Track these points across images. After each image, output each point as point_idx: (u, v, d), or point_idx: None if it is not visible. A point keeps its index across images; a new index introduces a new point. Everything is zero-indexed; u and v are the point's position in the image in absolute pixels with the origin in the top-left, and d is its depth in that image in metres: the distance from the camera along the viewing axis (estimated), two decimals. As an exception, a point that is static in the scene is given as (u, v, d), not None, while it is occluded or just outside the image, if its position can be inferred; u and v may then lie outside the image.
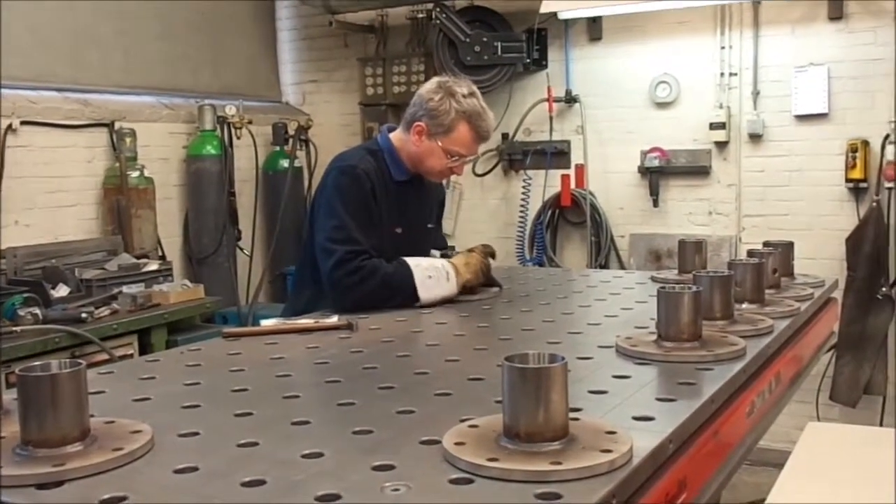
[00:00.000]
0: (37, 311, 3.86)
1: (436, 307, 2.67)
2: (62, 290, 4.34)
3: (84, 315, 4.00)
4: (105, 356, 3.85)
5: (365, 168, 2.75)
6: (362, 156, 2.82)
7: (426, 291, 2.66)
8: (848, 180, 5.18)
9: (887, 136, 5.07)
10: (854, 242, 5.14)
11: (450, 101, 2.71)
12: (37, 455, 1.26)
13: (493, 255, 2.92)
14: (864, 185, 5.16)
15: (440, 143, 2.74)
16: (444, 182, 3.03)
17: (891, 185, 5.06)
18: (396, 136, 2.86)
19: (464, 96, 2.73)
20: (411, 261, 2.70)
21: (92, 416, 1.37)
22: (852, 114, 5.20)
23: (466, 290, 2.79)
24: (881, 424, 5.16)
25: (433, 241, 3.10)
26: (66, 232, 5.10)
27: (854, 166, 5.13)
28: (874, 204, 5.12)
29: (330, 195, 2.72)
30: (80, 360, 1.35)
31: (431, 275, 2.68)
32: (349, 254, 2.62)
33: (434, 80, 2.81)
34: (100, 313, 4.13)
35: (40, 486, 1.20)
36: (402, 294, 2.63)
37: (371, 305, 2.58)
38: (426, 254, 2.91)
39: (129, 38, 5.61)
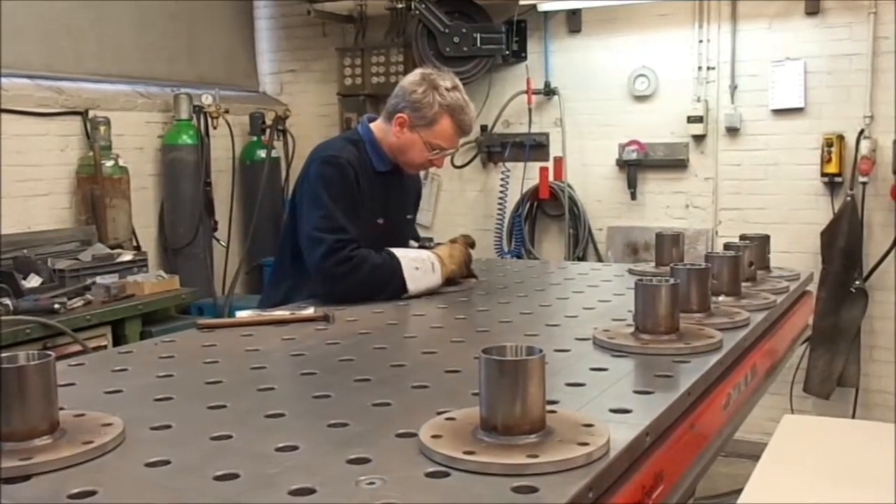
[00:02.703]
0: (8, 301, 3.80)
1: (412, 299, 2.66)
2: (34, 281, 4.28)
3: (57, 306, 3.94)
4: (78, 348, 3.80)
5: (348, 158, 2.73)
6: (344, 146, 2.80)
7: (414, 283, 2.66)
8: (823, 174, 5.23)
9: (862, 132, 5.12)
10: (828, 236, 5.19)
11: (433, 94, 2.70)
12: (3, 449, 1.23)
13: (472, 245, 2.92)
14: (839, 179, 5.20)
15: (421, 136, 2.73)
16: (423, 174, 3.02)
17: (865, 179, 5.11)
18: (377, 127, 2.83)
19: (447, 89, 2.71)
20: (398, 252, 2.70)
21: (62, 408, 1.34)
22: (828, 108, 5.24)
23: (448, 281, 2.79)
24: (854, 416, 5.23)
25: (413, 230, 3.10)
26: (38, 221, 5.02)
27: (829, 161, 5.17)
28: (848, 198, 5.16)
29: (314, 185, 2.68)
30: (49, 352, 1.32)
31: (419, 266, 2.68)
32: (338, 242, 2.59)
33: (417, 72, 2.79)
34: (73, 304, 4.07)
35: (7, 481, 1.17)
36: (392, 285, 2.62)
37: (360, 296, 2.57)
38: (406, 245, 2.90)
39: (104, 25, 5.53)
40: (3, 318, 3.71)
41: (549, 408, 1.30)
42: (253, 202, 6.05)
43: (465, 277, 2.89)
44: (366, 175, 2.77)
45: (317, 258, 2.60)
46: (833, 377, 5.24)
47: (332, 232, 2.61)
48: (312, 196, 2.68)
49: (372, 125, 2.84)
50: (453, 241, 2.86)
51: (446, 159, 2.90)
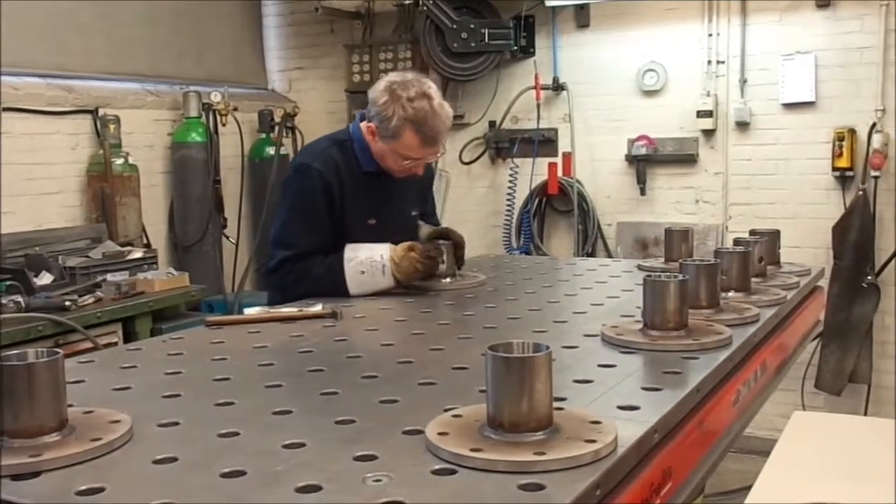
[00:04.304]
0: (20, 299, 3.82)
1: (420, 295, 2.65)
2: (45, 278, 4.30)
3: (68, 303, 3.96)
4: (89, 345, 3.81)
5: (323, 164, 2.71)
6: (325, 149, 2.79)
7: (357, 287, 2.68)
8: (834, 169, 5.19)
9: (874, 125, 5.08)
10: (840, 231, 5.16)
11: (394, 107, 2.63)
12: (13, 445, 1.24)
13: (459, 244, 2.82)
14: (850, 173, 5.17)
15: (389, 146, 2.69)
16: (434, 163, 2.98)
17: (877, 173, 5.07)
18: (367, 126, 2.78)
19: (409, 100, 2.62)
20: (349, 252, 2.69)
21: (70, 405, 1.35)
22: (839, 102, 5.20)
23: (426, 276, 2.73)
24: (866, 413, 5.20)
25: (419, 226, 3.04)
26: (49, 219, 5.05)
27: (840, 155, 5.14)
28: (860, 192, 5.13)
29: (283, 193, 2.83)
30: (57, 349, 1.32)
31: (365, 270, 2.67)
32: (283, 261, 2.73)
33: (384, 80, 2.71)
34: (83, 301, 4.09)
35: (16, 477, 1.18)
36: (333, 293, 2.65)
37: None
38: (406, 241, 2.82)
39: (113, 24, 5.55)
40: (16, 315, 3.73)
41: (556, 405, 1.30)
42: (262, 199, 6.06)
43: (447, 276, 2.77)
44: (351, 177, 2.75)
45: (268, 269, 2.81)
46: (844, 373, 5.20)
47: (284, 247, 2.74)
48: (279, 205, 2.87)
49: (362, 124, 2.79)
50: (411, 249, 2.67)
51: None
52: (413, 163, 2.73)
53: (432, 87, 2.68)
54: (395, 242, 2.73)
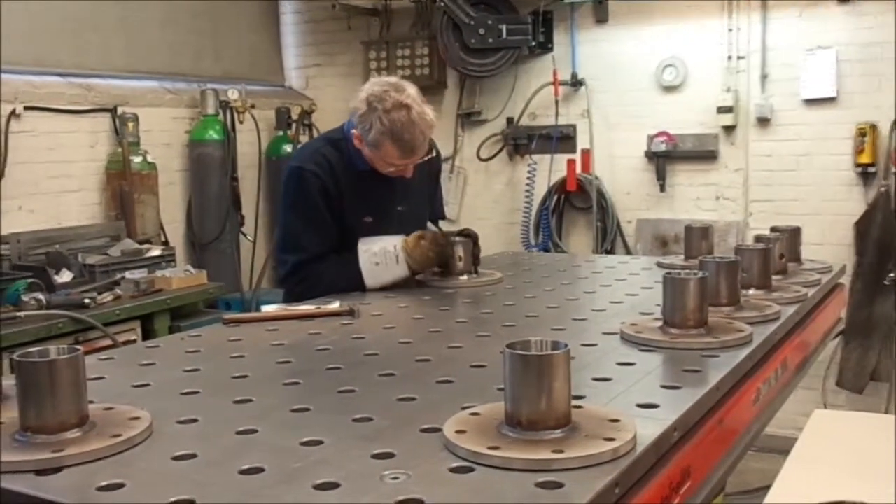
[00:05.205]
0: (40, 296, 3.86)
1: (436, 293, 2.66)
2: (65, 276, 4.35)
3: (87, 301, 4.00)
4: (108, 342, 3.85)
5: (316, 166, 2.72)
6: (318, 149, 2.80)
7: (373, 279, 2.70)
8: (856, 165, 5.15)
9: (896, 121, 5.03)
10: (862, 228, 5.11)
11: (371, 118, 2.61)
12: (35, 441, 1.26)
13: (475, 241, 2.82)
14: (872, 169, 5.12)
15: (373, 154, 2.69)
16: (434, 152, 2.93)
17: (900, 169, 5.02)
18: (354, 132, 2.75)
19: (386, 111, 2.59)
20: (363, 244, 2.72)
21: (91, 402, 1.36)
22: (860, 97, 5.15)
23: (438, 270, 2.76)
24: (887, 411, 5.15)
25: (424, 219, 3.02)
26: (69, 217, 5.10)
27: (862, 151, 5.09)
28: (882, 189, 5.08)
29: (281, 199, 2.86)
30: (77, 346, 1.34)
31: (379, 261, 2.70)
32: (295, 266, 2.74)
33: (365, 90, 2.68)
34: (103, 299, 4.13)
35: (39, 472, 1.20)
36: (351, 288, 2.69)
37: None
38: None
39: (131, 23, 5.59)
40: (37, 312, 3.77)
41: (574, 403, 1.29)
42: (279, 197, 6.08)
43: (464, 273, 2.78)
44: (347, 176, 2.75)
45: (280, 277, 2.86)
46: (866, 371, 5.16)
47: (293, 252, 2.76)
48: (279, 210, 2.91)
49: (354, 130, 2.75)
50: (420, 238, 2.71)
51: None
52: (399, 168, 2.73)
53: (411, 96, 2.63)
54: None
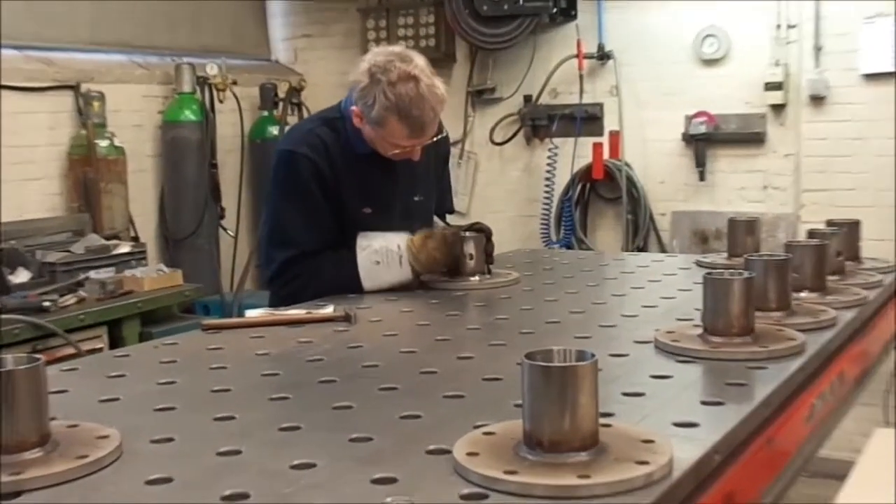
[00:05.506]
0: (-7, 299, 3.88)
1: (443, 295, 2.66)
2: (22, 276, 4.37)
3: (47, 304, 4.02)
4: (71, 350, 3.87)
5: (310, 148, 2.72)
6: (311, 130, 2.80)
7: (371, 280, 2.70)
8: (924, 149, 5.13)
9: (970, 98, 5.02)
10: (931, 221, 5.10)
11: (375, 91, 2.60)
12: (-9, 463, 1.27)
13: (489, 236, 2.82)
14: (941, 154, 5.11)
15: (376, 133, 2.68)
16: (443, 131, 2.90)
17: (974, 154, 5.01)
18: (353, 109, 2.74)
19: (391, 83, 2.57)
20: (362, 240, 2.71)
21: (53, 418, 1.37)
22: (929, 72, 5.14)
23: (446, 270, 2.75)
24: (960, 431, 5.13)
25: (430, 210, 3.03)
26: (26, 209, 5.12)
27: (930, 133, 5.08)
28: (955, 177, 5.07)
29: (271, 186, 2.83)
30: (38, 356, 1.35)
31: (380, 260, 2.69)
32: (285, 264, 2.73)
33: (367, 60, 2.67)
34: (64, 302, 4.15)
35: (-5, 498, 1.21)
36: (347, 290, 2.69)
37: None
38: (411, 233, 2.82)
39: (98, -12, 5.61)
40: (-12, 317, 3.80)
41: (602, 421, 1.30)
42: (264, 186, 6.09)
43: (475, 273, 2.78)
44: (344, 160, 2.74)
45: (267, 277, 2.85)
46: (936, 386, 5.15)
47: (282, 247, 2.75)
48: (268, 199, 2.87)
49: (354, 107, 2.73)
50: (428, 237, 2.70)
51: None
52: (405, 150, 2.72)
53: (419, 66, 2.63)
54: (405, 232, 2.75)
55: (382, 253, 2.70)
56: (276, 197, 2.81)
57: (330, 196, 2.75)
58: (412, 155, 2.75)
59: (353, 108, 2.70)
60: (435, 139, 2.79)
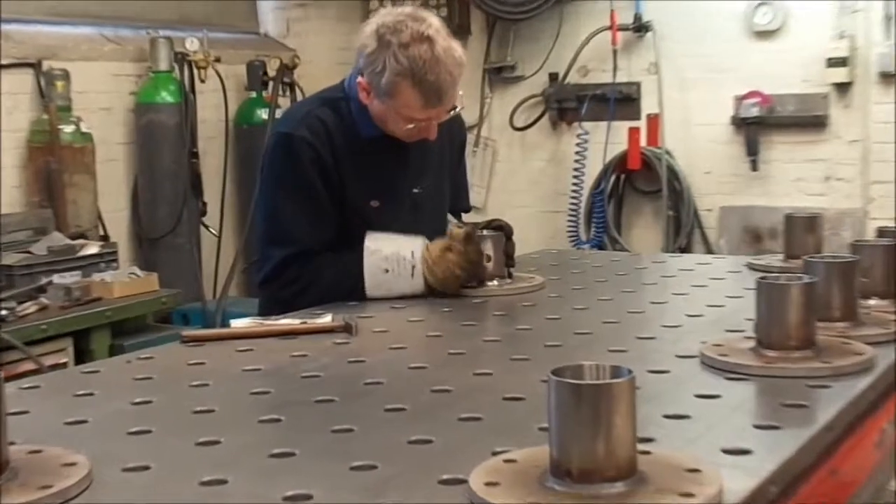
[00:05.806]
0: (-57, 307, 3.91)
1: (456, 302, 2.66)
2: (-25, 281, 4.39)
3: (3, 312, 4.03)
4: (32, 366, 3.88)
5: (308, 131, 2.71)
6: (311, 111, 2.79)
7: (376, 288, 2.69)
8: None
9: None
10: None
11: (384, 56, 2.59)
12: (-58, 494, 1.28)
13: (509, 235, 2.82)
14: None
15: (386, 105, 2.67)
16: (461, 104, 2.89)
17: None
18: (360, 82, 2.74)
19: (403, 46, 2.56)
20: (371, 242, 2.70)
21: (12, 443, 1.38)
22: None
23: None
24: None
25: (444, 205, 3.03)
26: (-21, 204, 5.15)
27: None
28: None
29: (265, 175, 2.83)
30: (-5, 372, 1.36)
31: (390, 268, 2.68)
32: (283, 263, 2.73)
33: (374, 22, 2.66)
34: (24, 310, 4.17)
35: (-54, 534, 1.22)
36: (350, 297, 2.69)
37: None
38: (426, 231, 2.82)
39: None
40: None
41: (641, 447, 1.30)
42: (252, 178, 6.09)
43: (494, 278, 2.78)
44: (348, 145, 2.75)
45: (261, 277, 2.83)
46: None
47: (280, 244, 2.75)
48: (262, 191, 2.89)
49: (361, 78, 2.74)
50: (448, 249, 2.67)
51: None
52: (419, 125, 2.72)
53: (433, 26, 2.63)
54: (408, 230, 2.74)
55: (393, 260, 2.68)
56: (271, 186, 2.81)
57: (332, 186, 2.74)
58: (428, 133, 2.74)
59: (360, 79, 2.69)
60: (451, 113, 2.78)
